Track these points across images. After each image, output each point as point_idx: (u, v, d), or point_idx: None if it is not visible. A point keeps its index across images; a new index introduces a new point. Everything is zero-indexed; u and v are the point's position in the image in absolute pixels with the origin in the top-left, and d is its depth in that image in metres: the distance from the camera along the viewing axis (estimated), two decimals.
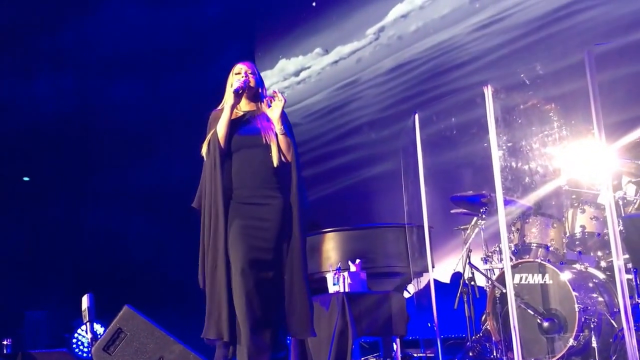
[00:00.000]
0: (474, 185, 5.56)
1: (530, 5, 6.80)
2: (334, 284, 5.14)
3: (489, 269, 5.08)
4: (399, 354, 5.27)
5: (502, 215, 4.02)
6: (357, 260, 5.28)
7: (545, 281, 4.50)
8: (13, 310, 7.36)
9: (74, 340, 7.54)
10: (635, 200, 4.59)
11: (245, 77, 3.83)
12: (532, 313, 4.45)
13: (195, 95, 8.53)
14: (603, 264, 4.76)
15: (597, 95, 3.53)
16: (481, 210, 5.03)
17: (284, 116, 3.83)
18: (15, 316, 7.31)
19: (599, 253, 4.80)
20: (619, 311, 3.91)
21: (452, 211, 5.46)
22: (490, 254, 5.12)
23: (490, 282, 4.88)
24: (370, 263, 5.48)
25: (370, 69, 8.49)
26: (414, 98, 7.71)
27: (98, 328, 6.35)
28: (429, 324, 4.93)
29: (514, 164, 5.29)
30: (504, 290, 4.32)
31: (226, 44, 9.23)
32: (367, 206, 8.00)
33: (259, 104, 3.90)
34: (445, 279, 6.28)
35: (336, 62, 8.94)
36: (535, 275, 4.54)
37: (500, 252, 4.83)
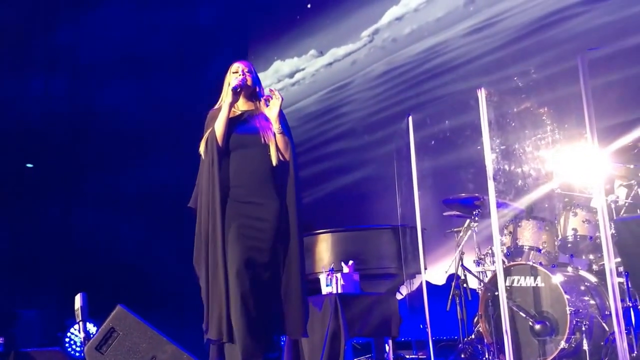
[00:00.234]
0: (467, 188, 5.59)
1: (524, 10, 6.82)
2: (327, 285, 5.13)
3: (482, 272, 5.10)
4: (391, 356, 5.28)
5: (495, 217, 4.05)
6: (350, 262, 5.27)
7: (537, 284, 4.51)
8: (6, 309, 7.33)
9: (67, 340, 7.52)
10: (625, 203, 4.62)
11: (243, 75, 3.84)
12: (524, 315, 4.47)
13: (189, 97, 8.53)
14: (595, 267, 4.78)
15: (590, 100, 3.55)
16: (474, 212, 5.06)
17: (281, 115, 3.84)
18: (8, 315, 7.27)
19: (591, 256, 4.83)
20: (611, 314, 3.94)
21: (445, 213, 5.48)
22: (482, 257, 5.13)
23: (482, 284, 4.90)
24: (363, 264, 5.47)
25: (364, 71, 8.49)
26: (407, 100, 7.73)
27: (91, 327, 6.33)
28: (422, 326, 4.93)
29: (507, 167, 5.31)
30: (496, 293, 4.33)
31: (221, 46, 9.24)
32: (360, 208, 7.99)
33: (257, 103, 3.91)
34: (438, 281, 6.29)
35: (331, 64, 8.94)
36: (528, 277, 4.56)
37: (493, 255, 4.84)
